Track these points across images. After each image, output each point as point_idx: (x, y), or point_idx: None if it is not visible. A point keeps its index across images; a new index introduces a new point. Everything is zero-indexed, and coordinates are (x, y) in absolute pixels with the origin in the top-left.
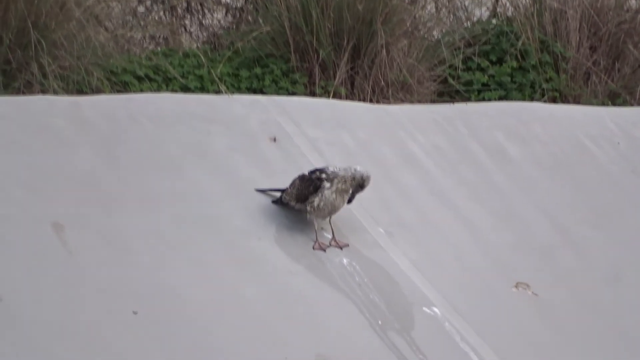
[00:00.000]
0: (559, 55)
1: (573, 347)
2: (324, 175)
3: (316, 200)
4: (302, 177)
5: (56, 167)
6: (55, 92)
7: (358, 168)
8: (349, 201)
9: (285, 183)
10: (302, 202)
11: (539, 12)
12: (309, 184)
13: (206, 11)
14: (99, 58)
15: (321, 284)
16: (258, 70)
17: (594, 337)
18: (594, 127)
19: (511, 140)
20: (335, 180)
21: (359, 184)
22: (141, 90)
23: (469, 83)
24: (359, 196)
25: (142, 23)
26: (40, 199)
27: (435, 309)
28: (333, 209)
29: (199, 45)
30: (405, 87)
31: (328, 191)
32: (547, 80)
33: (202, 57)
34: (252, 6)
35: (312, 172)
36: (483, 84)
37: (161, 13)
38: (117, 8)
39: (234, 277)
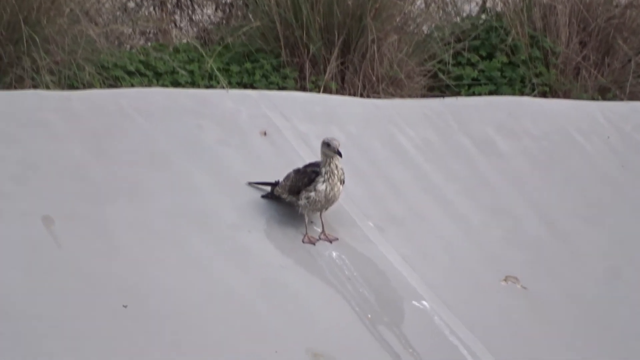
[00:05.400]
0: (549, 50)
1: (562, 340)
2: (318, 169)
3: (312, 194)
4: (297, 171)
5: (47, 161)
6: (46, 87)
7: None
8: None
9: (275, 177)
10: (295, 194)
11: (528, 7)
12: (304, 177)
13: (196, 6)
14: (90, 53)
15: (311, 278)
16: (248, 65)
17: (582, 330)
18: (584, 121)
19: (501, 134)
20: (327, 175)
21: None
22: (132, 85)
23: (459, 78)
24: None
25: (132, 18)
26: (31, 193)
27: (425, 303)
28: (326, 202)
29: (189, 40)
30: (395, 82)
31: (321, 185)
32: (537, 75)
33: (195, 52)
34: (241, 1)
35: (307, 166)
36: (473, 79)
37: (151, 8)
38: (107, 3)
39: (224, 271)
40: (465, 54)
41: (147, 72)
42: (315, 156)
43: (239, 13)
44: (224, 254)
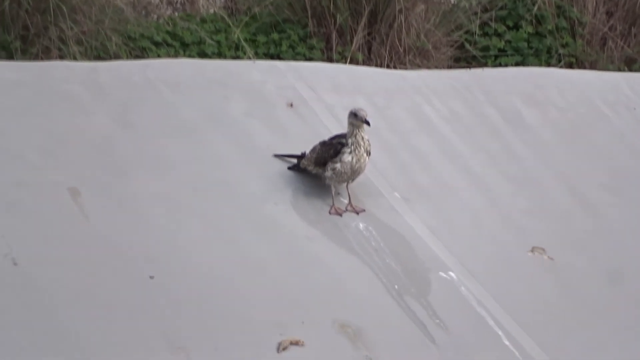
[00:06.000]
0: (576, 21)
1: (589, 312)
2: (344, 141)
3: (338, 166)
4: (323, 143)
5: (73, 132)
6: (74, 58)
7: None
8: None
9: (302, 148)
10: (322, 166)
11: None
12: (330, 148)
13: None
14: (117, 23)
15: (338, 249)
16: (275, 35)
17: (609, 301)
18: (610, 92)
19: (528, 105)
20: (353, 146)
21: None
22: (158, 56)
23: (485, 48)
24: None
25: None
26: (57, 164)
27: (452, 274)
28: (352, 174)
29: (215, 10)
30: (422, 53)
31: (347, 156)
32: (563, 46)
33: (222, 22)
34: None
35: (332, 138)
36: (499, 50)
37: None
38: None
39: (250, 242)
40: (492, 24)
41: (174, 43)
42: (341, 128)
43: None
44: (251, 226)
